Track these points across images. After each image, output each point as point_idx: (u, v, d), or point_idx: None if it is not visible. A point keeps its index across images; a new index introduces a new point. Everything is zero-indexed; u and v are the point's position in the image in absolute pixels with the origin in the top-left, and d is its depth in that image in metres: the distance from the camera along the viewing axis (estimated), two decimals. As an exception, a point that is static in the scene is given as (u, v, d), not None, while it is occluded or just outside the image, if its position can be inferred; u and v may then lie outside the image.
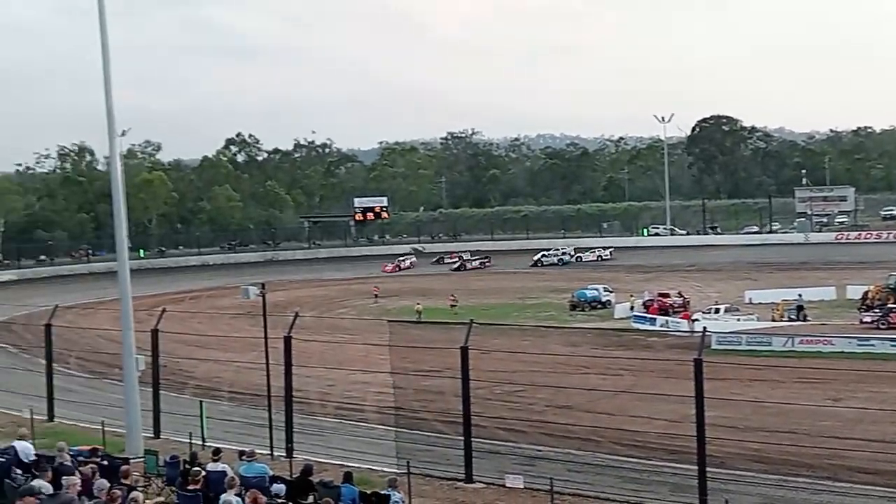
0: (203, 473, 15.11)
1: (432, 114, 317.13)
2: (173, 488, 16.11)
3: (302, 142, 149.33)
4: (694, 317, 51.45)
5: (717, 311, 52.95)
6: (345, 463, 19.90)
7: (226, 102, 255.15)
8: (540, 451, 24.42)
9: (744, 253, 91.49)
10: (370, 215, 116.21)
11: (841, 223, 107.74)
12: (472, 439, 20.30)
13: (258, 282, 24.55)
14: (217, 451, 16.87)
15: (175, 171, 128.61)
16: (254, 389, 30.08)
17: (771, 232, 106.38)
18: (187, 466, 16.13)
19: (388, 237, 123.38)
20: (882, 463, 22.40)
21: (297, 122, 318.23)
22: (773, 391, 31.34)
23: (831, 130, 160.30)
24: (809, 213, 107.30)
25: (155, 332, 24.62)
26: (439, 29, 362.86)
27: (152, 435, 23.94)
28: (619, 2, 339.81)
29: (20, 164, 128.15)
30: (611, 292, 64.27)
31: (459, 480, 19.91)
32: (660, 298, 58.45)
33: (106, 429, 22.07)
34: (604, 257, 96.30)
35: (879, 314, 48.66)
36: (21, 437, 17.81)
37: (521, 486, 18.77)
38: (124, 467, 15.71)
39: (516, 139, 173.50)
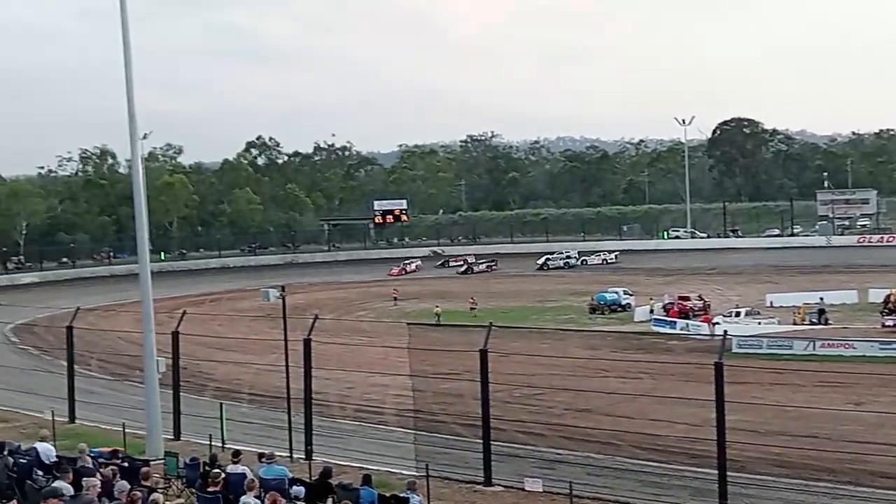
0: (223, 475, 15.17)
1: (452, 117, 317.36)
2: (193, 490, 16.19)
3: (322, 145, 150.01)
4: (714, 320, 51.16)
5: (737, 314, 52.61)
6: (364, 465, 19.89)
7: (246, 105, 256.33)
8: (559, 454, 24.31)
9: (765, 256, 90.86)
10: (390, 218, 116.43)
11: (863, 226, 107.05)
12: (491, 442, 20.26)
13: (278, 284, 24.69)
14: (237, 453, 16.90)
15: (196, 174, 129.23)
16: (273, 391, 30.07)
17: (792, 235, 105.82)
18: (207, 468, 16.19)
19: (407, 240, 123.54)
20: (904, 468, 22.19)
21: (316, 125, 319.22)
22: (794, 395, 31.05)
23: (853, 133, 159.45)
24: (831, 215, 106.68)
25: (176, 335, 24.71)
26: (459, 32, 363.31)
27: (172, 437, 24.04)
28: (639, 3, 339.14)
29: (42, 167, 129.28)
30: (631, 295, 63.98)
31: (478, 484, 19.87)
32: (680, 302, 58.17)
33: (126, 430, 22.22)
34: (609, 261, 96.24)
35: (902, 318, 48.24)
36: (42, 439, 17.96)
37: (541, 490, 18.70)
38: (144, 469, 15.76)
39: (536, 142, 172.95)
